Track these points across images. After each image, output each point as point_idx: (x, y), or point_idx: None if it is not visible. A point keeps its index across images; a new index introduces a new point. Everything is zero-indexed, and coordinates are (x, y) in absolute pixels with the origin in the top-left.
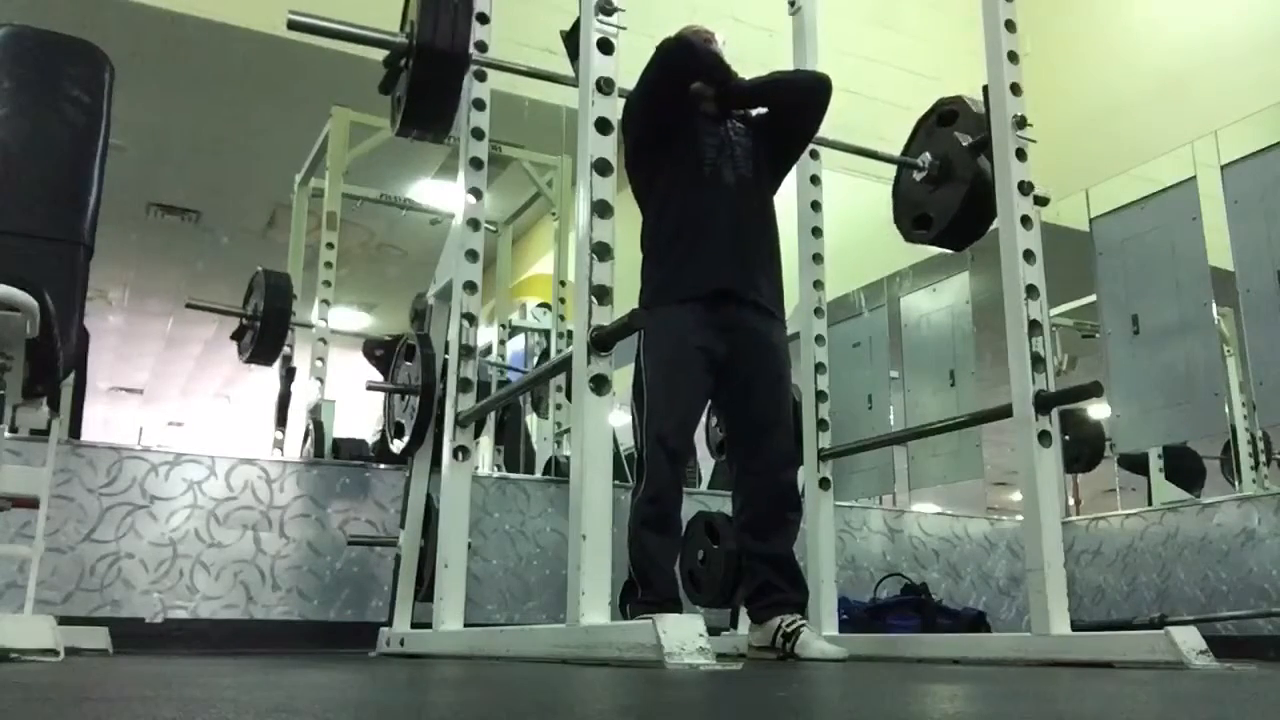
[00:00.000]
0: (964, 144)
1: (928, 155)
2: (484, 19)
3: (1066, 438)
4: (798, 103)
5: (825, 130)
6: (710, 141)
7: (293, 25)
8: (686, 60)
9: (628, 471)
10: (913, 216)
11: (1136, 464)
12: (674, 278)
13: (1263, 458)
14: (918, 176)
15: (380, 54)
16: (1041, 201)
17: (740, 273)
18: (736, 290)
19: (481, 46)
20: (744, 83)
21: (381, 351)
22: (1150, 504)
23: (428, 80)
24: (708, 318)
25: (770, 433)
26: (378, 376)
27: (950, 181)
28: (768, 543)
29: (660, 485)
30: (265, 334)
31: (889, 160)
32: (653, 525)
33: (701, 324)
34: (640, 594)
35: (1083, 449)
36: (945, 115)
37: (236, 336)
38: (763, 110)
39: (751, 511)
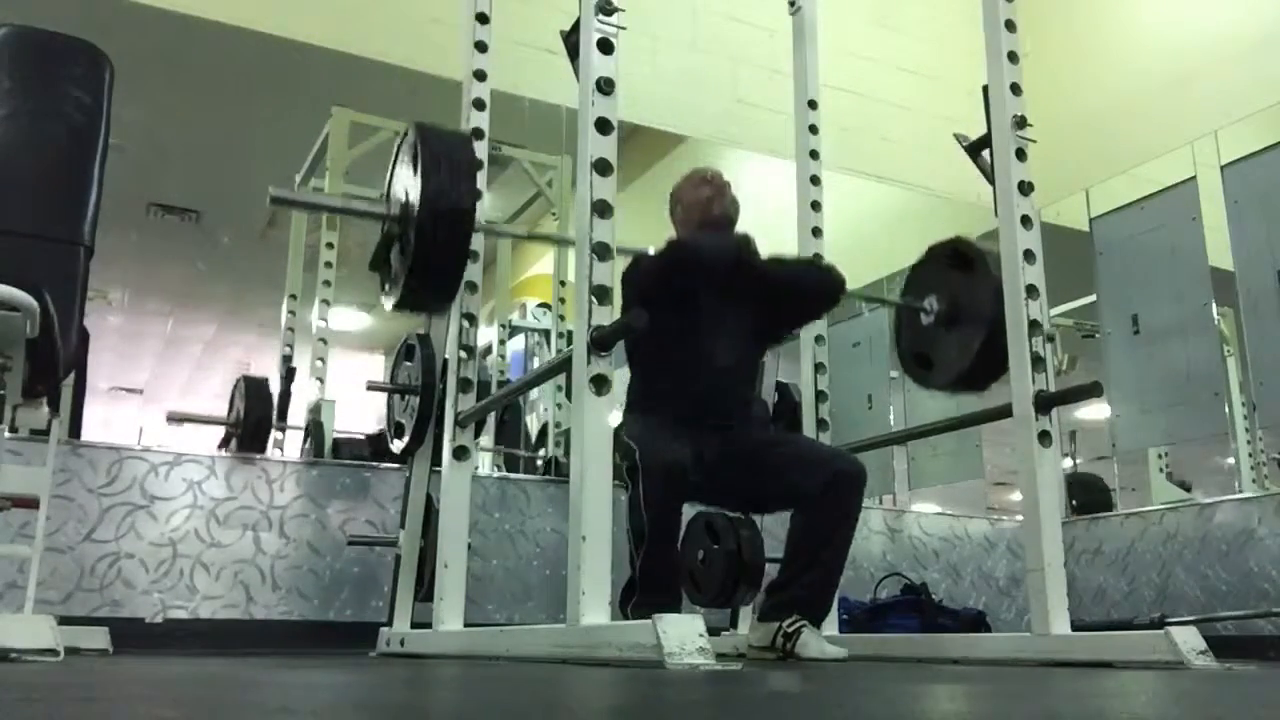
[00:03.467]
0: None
1: (934, 299)
2: (484, 19)
3: (1074, 503)
4: (805, 304)
5: (826, 130)
6: (708, 316)
7: (275, 201)
8: (694, 265)
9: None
10: (917, 356)
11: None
12: (657, 404)
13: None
14: (924, 320)
15: (381, 55)
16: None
17: (719, 410)
18: (713, 419)
19: (481, 46)
20: (757, 265)
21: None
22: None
23: (432, 258)
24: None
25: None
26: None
27: (961, 327)
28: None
29: (658, 493)
30: (246, 443)
31: (892, 304)
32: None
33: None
34: (639, 595)
35: (1089, 507)
36: (958, 258)
37: (223, 444)
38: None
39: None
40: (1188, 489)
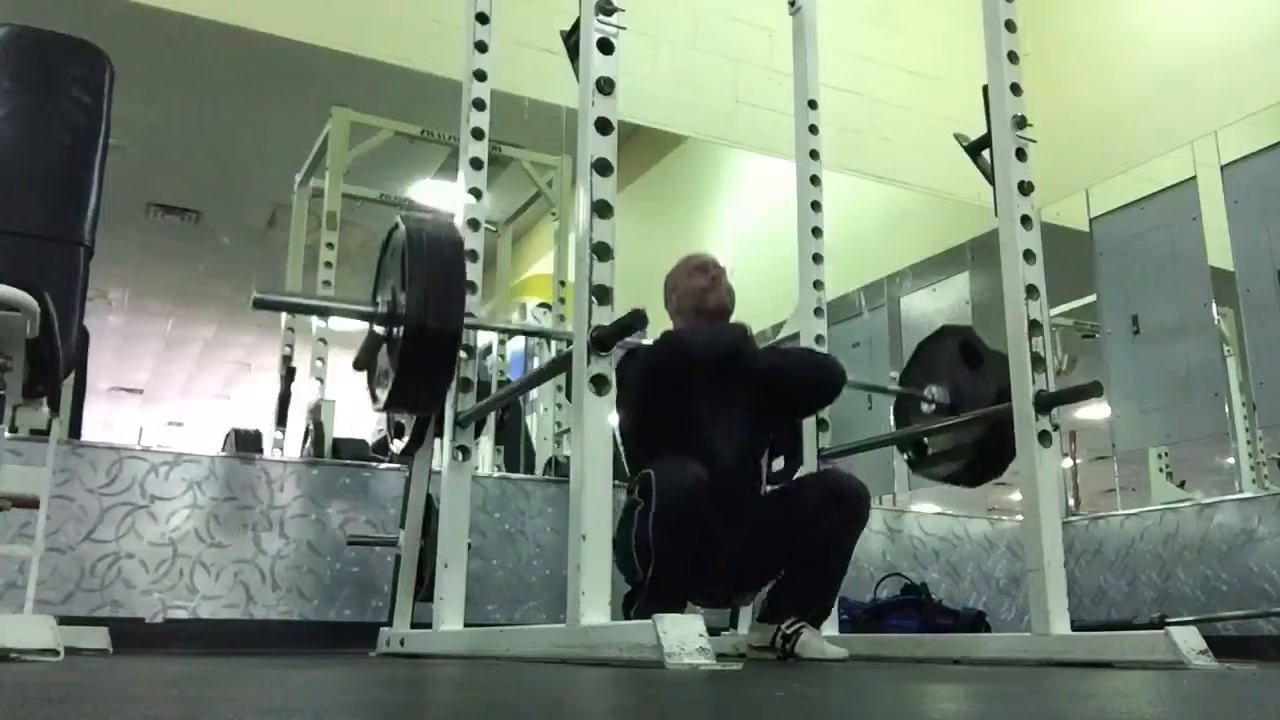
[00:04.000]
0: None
1: (934, 388)
2: (484, 19)
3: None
4: (801, 401)
5: (826, 130)
6: (705, 410)
7: (259, 305)
8: (686, 362)
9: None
10: (918, 448)
11: None
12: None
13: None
14: (925, 408)
15: (381, 55)
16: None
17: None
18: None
19: (481, 46)
20: (756, 362)
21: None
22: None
23: (421, 364)
24: None
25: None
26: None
27: (965, 422)
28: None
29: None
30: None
31: (892, 393)
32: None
33: None
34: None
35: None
36: (964, 348)
37: None
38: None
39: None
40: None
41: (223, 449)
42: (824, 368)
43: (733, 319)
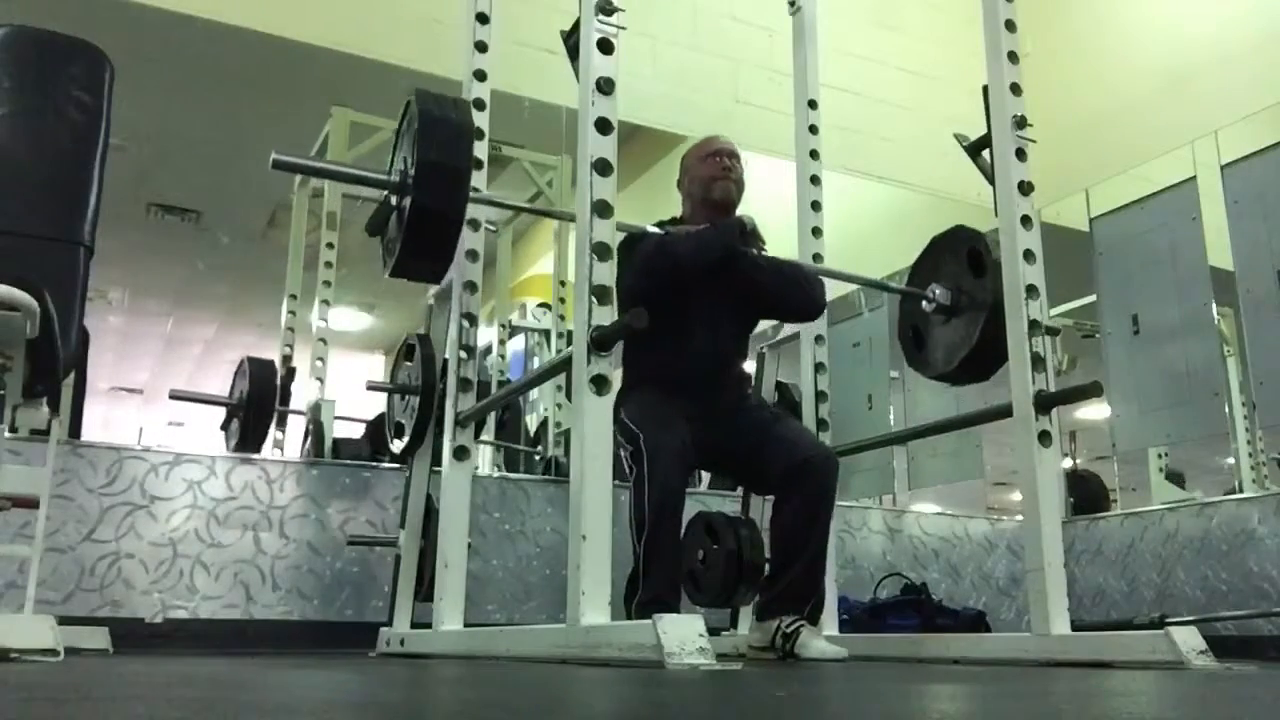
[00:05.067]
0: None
1: (937, 287)
2: (484, 19)
3: (1071, 500)
4: (784, 316)
5: (826, 130)
6: (697, 309)
7: (276, 165)
8: (672, 268)
9: (626, 467)
10: (916, 342)
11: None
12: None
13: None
14: (927, 307)
15: (381, 55)
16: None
17: (707, 395)
18: (701, 400)
19: (482, 46)
20: (747, 260)
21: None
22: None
23: (426, 224)
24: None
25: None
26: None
27: (960, 317)
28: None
29: (668, 476)
30: (248, 424)
31: (896, 291)
32: (658, 521)
33: (679, 400)
34: (642, 590)
35: (1084, 505)
36: (972, 255)
37: (224, 426)
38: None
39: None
40: (1181, 481)
41: (235, 377)
42: (804, 288)
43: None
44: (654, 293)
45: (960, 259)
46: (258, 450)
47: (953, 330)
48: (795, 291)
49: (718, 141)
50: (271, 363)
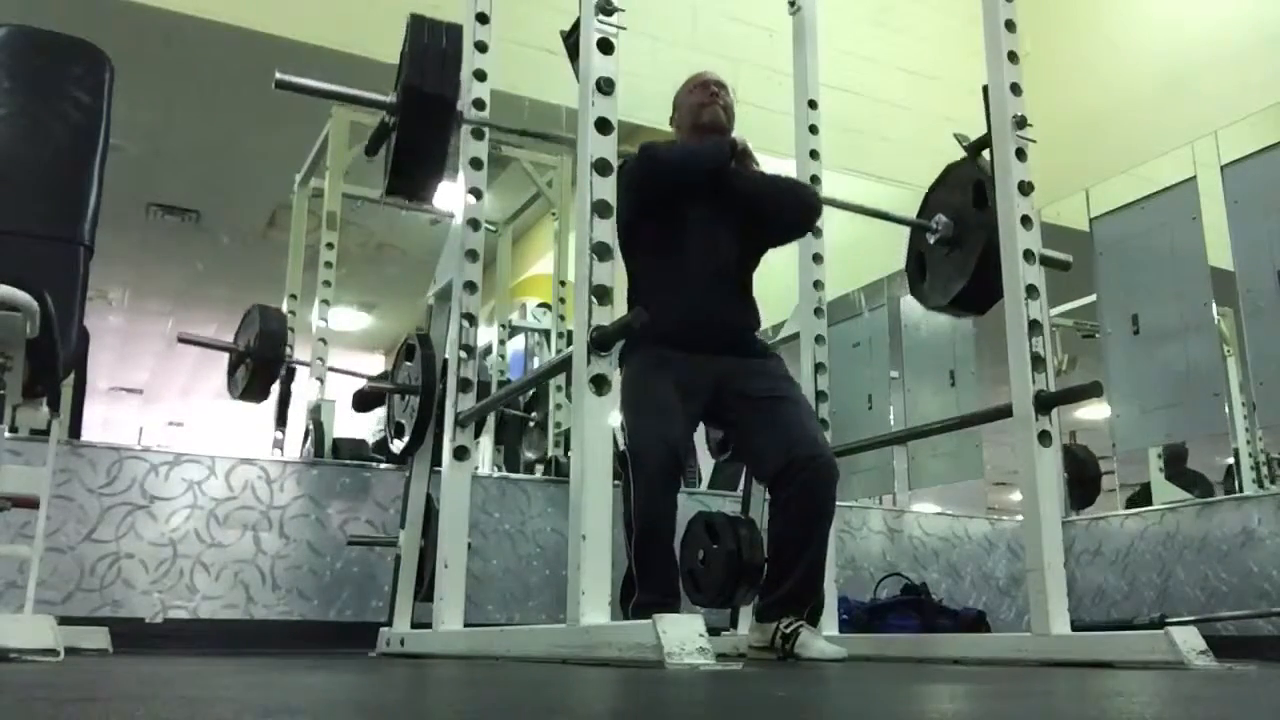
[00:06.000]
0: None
1: (941, 217)
2: (484, 19)
3: (1065, 476)
4: (783, 215)
5: (826, 130)
6: (696, 224)
7: (280, 85)
8: (667, 175)
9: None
10: (920, 271)
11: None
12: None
13: (1264, 470)
14: (931, 238)
15: (381, 55)
16: (1061, 265)
17: (713, 334)
18: (708, 343)
19: (482, 46)
20: (737, 174)
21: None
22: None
23: (415, 138)
24: (687, 355)
25: (811, 433)
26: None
27: (961, 249)
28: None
29: (660, 479)
30: (258, 371)
31: (901, 222)
32: (653, 522)
33: (681, 360)
34: (638, 594)
35: (1076, 487)
36: (977, 187)
37: (231, 371)
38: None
39: (794, 492)
40: (1182, 454)
41: (242, 325)
42: (799, 194)
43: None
44: (646, 206)
45: (965, 190)
46: (264, 398)
47: (952, 262)
48: (790, 198)
49: (705, 74)
50: (280, 310)
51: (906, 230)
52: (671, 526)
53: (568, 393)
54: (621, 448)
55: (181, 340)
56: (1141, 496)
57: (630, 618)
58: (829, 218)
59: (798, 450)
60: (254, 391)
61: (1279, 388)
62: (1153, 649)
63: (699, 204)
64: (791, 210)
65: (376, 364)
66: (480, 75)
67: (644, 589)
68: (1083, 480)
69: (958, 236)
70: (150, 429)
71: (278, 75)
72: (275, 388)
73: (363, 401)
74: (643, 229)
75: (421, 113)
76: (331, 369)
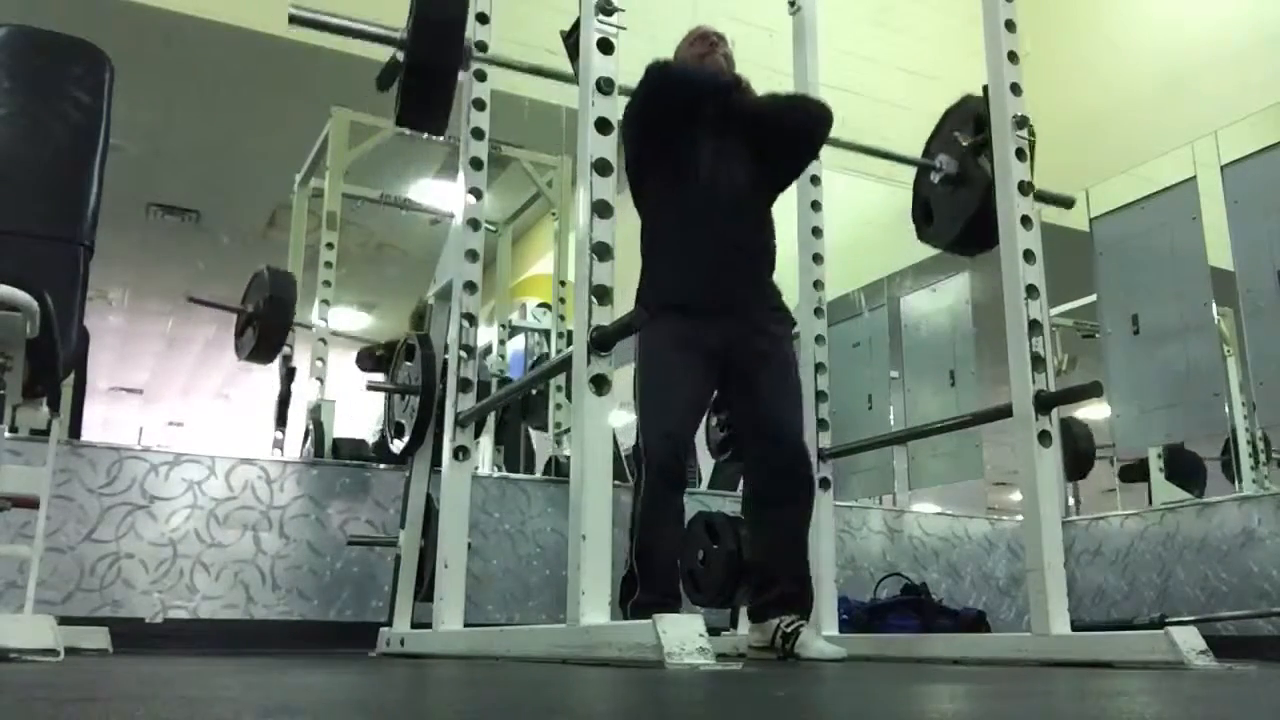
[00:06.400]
0: (964, 143)
1: (944, 156)
2: (484, 19)
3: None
4: (789, 126)
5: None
6: (706, 152)
7: (294, 20)
8: (674, 88)
9: (627, 471)
10: (926, 215)
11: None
12: (664, 285)
13: (1263, 457)
14: (935, 178)
15: (381, 56)
16: (1065, 202)
17: (727, 284)
18: (721, 300)
19: (482, 46)
20: (744, 100)
21: (382, 351)
22: (1150, 504)
23: (421, 68)
24: (699, 321)
25: (777, 414)
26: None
27: (965, 186)
28: (771, 521)
29: (662, 478)
30: (266, 332)
31: (904, 160)
32: (656, 520)
33: (694, 326)
34: (639, 592)
35: (1071, 459)
36: (977, 122)
37: (238, 333)
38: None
39: (756, 479)
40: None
41: (250, 288)
42: (803, 106)
43: None
44: (653, 127)
45: (968, 127)
46: (271, 359)
47: (958, 200)
48: (794, 112)
49: (704, 27)
50: (289, 273)
51: (906, 231)
52: (676, 527)
53: (568, 393)
54: (631, 444)
55: (191, 300)
56: (1137, 470)
57: (630, 618)
58: (829, 218)
59: (778, 460)
60: (261, 352)
61: (1279, 388)
62: (1153, 649)
63: (708, 135)
64: (797, 118)
65: None
66: (480, 75)
67: (645, 588)
68: (1077, 453)
69: (961, 173)
70: (150, 429)
71: (290, 10)
72: (275, 388)
73: (370, 359)
74: (652, 164)
75: (432, 41)
76: (334, 333)
